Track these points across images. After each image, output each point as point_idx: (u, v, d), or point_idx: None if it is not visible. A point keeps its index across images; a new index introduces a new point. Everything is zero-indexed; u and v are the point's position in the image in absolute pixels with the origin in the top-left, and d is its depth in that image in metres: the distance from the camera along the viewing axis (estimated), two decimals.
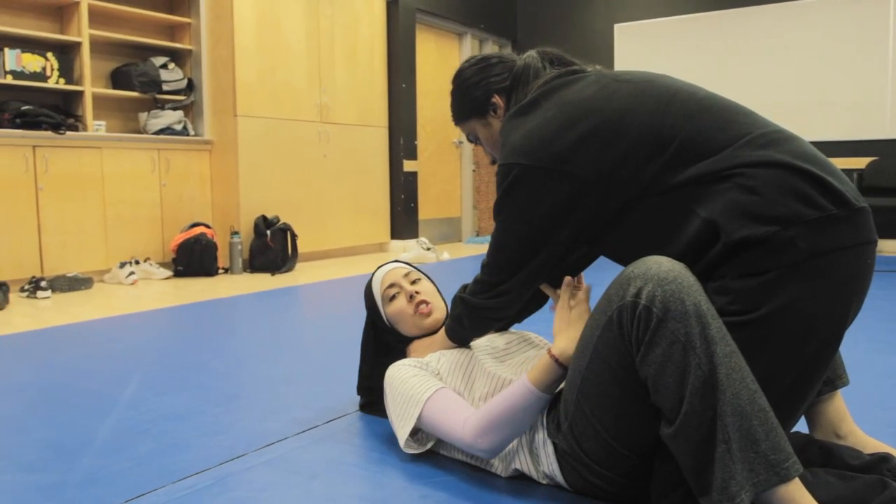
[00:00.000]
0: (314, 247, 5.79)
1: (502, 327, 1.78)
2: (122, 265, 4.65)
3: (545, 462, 1.40)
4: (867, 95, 6.36)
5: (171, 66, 5.24)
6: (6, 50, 4.32)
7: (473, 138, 1.63)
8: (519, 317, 1.79)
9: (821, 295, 1.13)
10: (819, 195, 1.15)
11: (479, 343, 1.68)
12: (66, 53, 4.68)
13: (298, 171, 5.63)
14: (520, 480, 1.48)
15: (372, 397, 1.92)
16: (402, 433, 1.54)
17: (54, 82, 4.54)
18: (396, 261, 1.89)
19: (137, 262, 4.80)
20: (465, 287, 1.58)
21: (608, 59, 7.62)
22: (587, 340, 1.25)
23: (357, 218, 6.23)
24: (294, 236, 5.29)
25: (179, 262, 4.92)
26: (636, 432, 1.22)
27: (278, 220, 5.28)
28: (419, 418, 1.51)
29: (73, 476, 1.56)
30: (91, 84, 4.73)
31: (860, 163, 6.34)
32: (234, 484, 1.50)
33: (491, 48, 8.03)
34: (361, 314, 3.04)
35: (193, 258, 4.91)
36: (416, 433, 1.61)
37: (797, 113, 6.65)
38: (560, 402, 1.36)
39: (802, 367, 1.16)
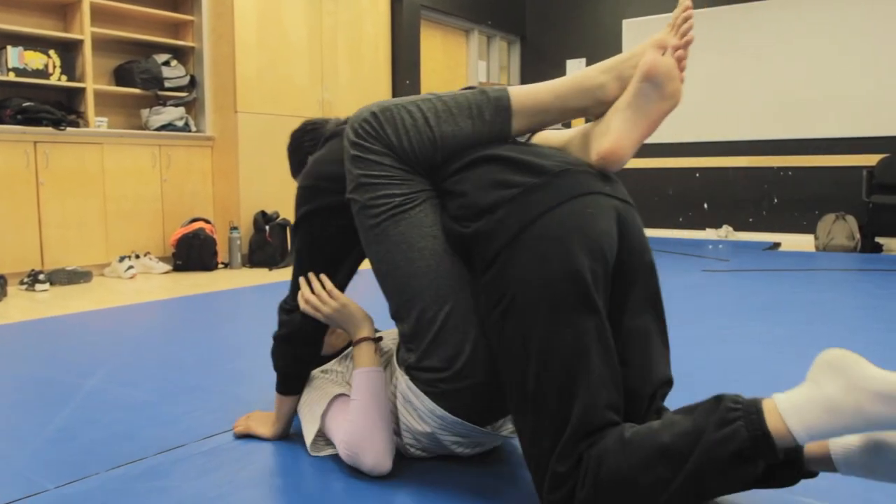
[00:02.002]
0: None
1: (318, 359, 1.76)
2: (122, 259, 4.72)
3: (419, 403, 1.40)
4: (878, 92, 6.24)
5: (174, 63, 5.31)
6: (9, 48, 4.41)
7: None
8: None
9: (549, 256, 1.20)
10: (515, 174, 1.28)
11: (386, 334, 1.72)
12: (68, 51, 4.77)
13: None
14: (426, 479, 1.49)
15: None
16: (307, 441, 1.58)
17: (56, 79, 4.63)
18: None
19: (137, 257, 4.88)
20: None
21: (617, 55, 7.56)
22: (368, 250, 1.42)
23: None
24: None
25: (179, 257, 4.98)
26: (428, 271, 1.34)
27: (278, 216, 5.32)
28: (321, 428, 1.57)
29: (15, 462, 1.60)
30: (93, 81, 4.81)
31: (871, 160, 6.22)
32: (163, 473, 1.52)
33: (499, 45, 8.01)
34: None
35: (192, 253, 4.97)
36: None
37: (807, 109, 6.55)
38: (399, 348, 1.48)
39: (575, 322, 1.19)
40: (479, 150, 1.34)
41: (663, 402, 1.35)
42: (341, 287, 1.60)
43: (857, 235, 6.03)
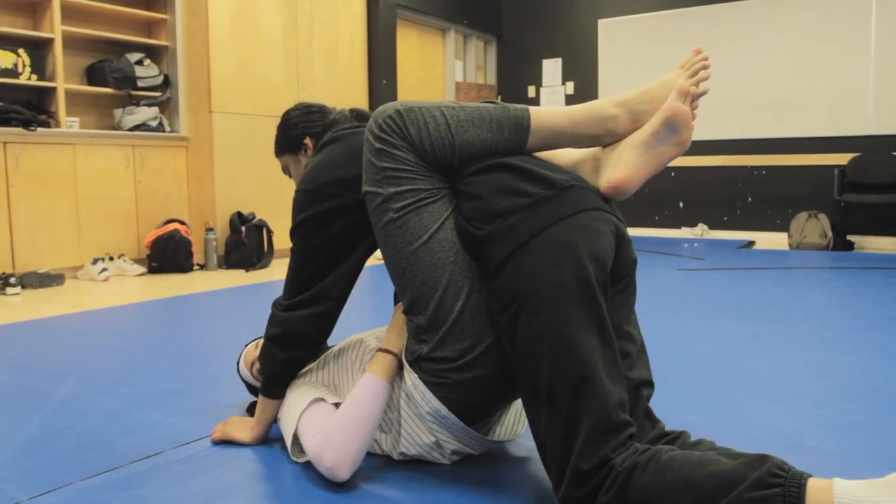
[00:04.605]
0: None
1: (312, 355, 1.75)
2: (95, 261, 4.65)
3: (422, 402, 1.42)
4: (850, 91, 6.33)
5: (147, 62, 5.24)
6: None
7: (286, 171, 1.87)
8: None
9: (560, 261, 1.26)
10: (528, 184, 1.34)
11: (361, 336, 1.71)
12: (38, 50, 4.68)
13: (276, 166, 5.63)
14: (407, 486, 1.48)
15: None
16: (288, 447, 1.58)
17: (26, 78, 4.54)
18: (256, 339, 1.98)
19: (111, 259, 4.81)
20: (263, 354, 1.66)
21: (592, 55, 7.61)
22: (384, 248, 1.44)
23: None
24: (270, 232, 5.29)
25: (154, 259, 4.92)
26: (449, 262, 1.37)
27: (254, 217, 5.28)
28: (296, 434, 1.56)
29: None
30: (64, 80, 4.73)
31: (842, 159, 6.32)
32: (139, 481, 1.50)
33: (475, 44, 8.01)
34: None
35: (167, 255, 4.91)
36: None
37: (781, 108, 6.63)
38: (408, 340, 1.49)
39: (585, 324, 1.24)
40: (493, 156, 1.40)
41: (648, 402, 1.39)
42: (346, 289, 1.61)
43: (830, 234, 6.13)
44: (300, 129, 1.79)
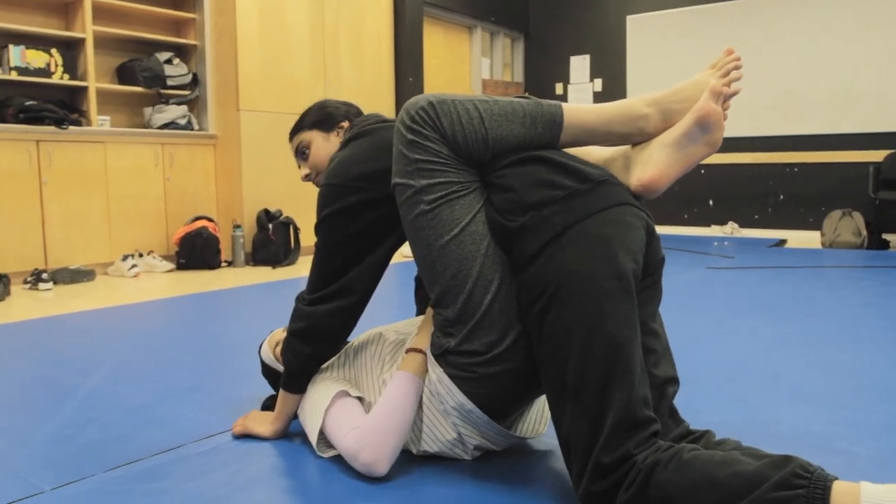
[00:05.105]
0: None
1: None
2: (125, 258, 4.72)
3: (448, 397, 1.42)
4: (885, 87, 6.19)
5: (176, 61, 5.30)
6: (11, 47, 4.40)
7: (304, 148, 1.78)
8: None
9: (595, 253, 1.26)
10: (562, 177, 1.33)
11: (380, 330, 1.71)
12: (70, 49, 4.76)
13: None
14: (428, 481, 1.47)
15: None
16: (313, 442, 1.57)
17: (58, 78, 4.62)
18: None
19: (141, 255, 4.87)
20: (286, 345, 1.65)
21: (621, 51, 7.53)
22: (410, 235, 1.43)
23: None
24: (296, 229, 5.32)
25: (182, 256, 4.98)
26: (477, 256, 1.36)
27: (281, 214, 5.31)
28: (322, 430, 1.56)
29: (12, 462, 1.59)
30: (96, 79, 4.81)
31: (877, 156, 6.17)
32: (161, 474, 1.51)
33: (502, 41, 7.98)
34: None
35: (195, 251, 4.97)
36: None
37: (814, 105, 6.50)
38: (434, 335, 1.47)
39: (617, 318, 1.23)
40: (526, 151, 1.40)
41: (673, 400, 1.37)
42: (371, 284, 1.60)
43: (864, 232, 5.99)
44: (337, 109, 1.78)
